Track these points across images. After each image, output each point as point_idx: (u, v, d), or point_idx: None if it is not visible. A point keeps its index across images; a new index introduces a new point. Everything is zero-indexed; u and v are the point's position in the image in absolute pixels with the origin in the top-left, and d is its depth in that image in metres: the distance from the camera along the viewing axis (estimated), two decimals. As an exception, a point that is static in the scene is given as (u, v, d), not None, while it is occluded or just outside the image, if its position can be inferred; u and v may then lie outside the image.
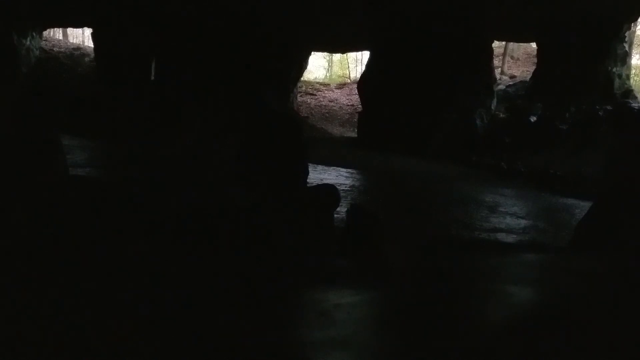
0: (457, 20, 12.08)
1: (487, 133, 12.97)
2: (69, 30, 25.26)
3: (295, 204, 2.96)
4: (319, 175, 7.32)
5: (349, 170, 8.75)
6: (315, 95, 22.70)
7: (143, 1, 13.29)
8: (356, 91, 15.80)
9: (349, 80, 26.12)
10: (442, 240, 4.36)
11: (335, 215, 3.20)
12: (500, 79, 17.36)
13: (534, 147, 11.48)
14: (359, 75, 19.64)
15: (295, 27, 14.77)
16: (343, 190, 5.95)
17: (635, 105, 12.55)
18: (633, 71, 17.82)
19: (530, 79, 15.39)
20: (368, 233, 2.86)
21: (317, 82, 25.87)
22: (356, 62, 29.32)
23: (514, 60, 22.37)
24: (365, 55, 22.56)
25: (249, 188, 2.92)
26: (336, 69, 31.04)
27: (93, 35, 15.84)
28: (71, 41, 24.20)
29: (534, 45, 17.01)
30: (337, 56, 28.45)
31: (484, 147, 12.16)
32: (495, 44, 16.30)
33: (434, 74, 12.11)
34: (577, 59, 13.07)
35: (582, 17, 12.66)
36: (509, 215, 5.99)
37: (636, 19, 13.85)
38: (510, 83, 18.00)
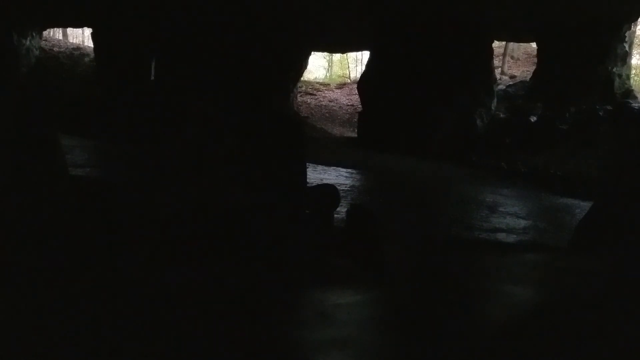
0: (457, 20, 12.08)
1: (487, 133, 12.97)
2: (69, 30, 25.27)
3: (294, 204, 2.95)
4: (319, 175, 7.32)
5: (349, 170, 8.75)
6: (315, 95, 22.71)
7: (143, 1, 13.29)
8: (356, 91, 15.81)
9: (349, 80, 26.13)
10: (442, 240, 4.36)
11: (335, 215, 3.20)
12: (500, 79, 17.36)
13: (534, 147, 11.48)
14: (359, 75, 19.64)
15: (295, 27, 14.77)
16: (343, 190, 5.95)
17: (635, 105, 12.55)
18: (633, 71, 17.82)
19: (530, 79, 15.39)
20: (368, 233, 2.85)
21: (317, 82, 25.88)
22: (356, 62, 29.36)
23: (514, 60, 22.39)
24: (365, 55, 22.58)
25: (249, 188, 2.91)
26: (336, 69, 31.06)
27: (93, 35, 15.84)
28: (71, 41, 24.22)
29: (534, 45, 17.01)
30: (337, 56, 28.47)
31: (484, 147, 12.16)
32: (495, 44, 16.30)
33: (434, 74, 12.11)
34: (577, 59, 13.06)
35: (582, 17, 12.65)
36: (509, 215, 5.99)
37: (636, 19, 13.84)
38: (510, 83, 18.01)
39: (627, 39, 13.70)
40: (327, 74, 31.21)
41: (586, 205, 4.76)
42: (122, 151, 8.64)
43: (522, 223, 5.70)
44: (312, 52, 19.63)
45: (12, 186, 2.63)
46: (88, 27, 17.46)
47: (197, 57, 13.15)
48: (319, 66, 31.21)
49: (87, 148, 8.16)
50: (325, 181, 6.04)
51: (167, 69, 13.87)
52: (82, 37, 26.63)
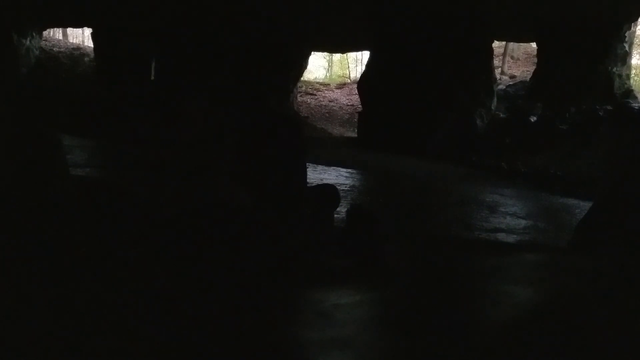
0: (457, 20, 12.08)
1: (487, 133, 12.98)
2: (69, 30, 25.30)
3: (294, 204, 2.95)
4: (319, 175, 7.32)
5: (349, 170, 8.75)
6: (315, 95, 22.73)
7: (143, 1, 13.29)
8: (356, 91, 15.82)
9: (349, 80, 26.15)
10: (442, 240, 4.35)
11: (335, 215, 3.20)
12: (500, 79, 17.38)
13: (534, 147, 11.48)
14: (359, 75, 19.64)
15: (295, 27, 14.77)
16: (343, 190, 5.95)
17: (635, 105, 12.55)
18: (633, 71, 17.84)
19: (530, 79, 15.40)
20: (368, 233, 2.85)
21: (317, 82, 25.91)
22: (356, 62, 29.39)
23: (514, 60, 22.41)
24: (365, 55, 22.59)
25: (249, 188, 2.92)
26: (336, 69, 31.09)
27: (93, 35, 15.86)
28: (71, 41, 24.24)
29: (534, 45, 17.02)
30: (337, 56, 28.49)
31: (484, 147, 12.16)
32: (495, 44, 16.31)
33: (434, 74, 12.11)
34: (577, 59, 13.07)
35: (582, 17, 12.66)
36: (509, 215, 5.98)
37: (636, 19, 13.85)
38: (510, 83, 18.04)
39: (627, 39, 13.71)
40: (327, 74, 31.23)
41: (586, 205, 4.76)
42: (122, 151, 8.63)
43: (522, 223, 5.69)
44: (312, 52, 19.63)
45: (13, 186, 2.63)
46: (88, 27, 17.47)
47: (197, 57, 13.15)
48: (319, 66, 31.25)
49: (87, 148, 8.16)
50: (325, 181, 6.03)
51: (167, 69, 13.87)
52: (82, 37, 26.65)
